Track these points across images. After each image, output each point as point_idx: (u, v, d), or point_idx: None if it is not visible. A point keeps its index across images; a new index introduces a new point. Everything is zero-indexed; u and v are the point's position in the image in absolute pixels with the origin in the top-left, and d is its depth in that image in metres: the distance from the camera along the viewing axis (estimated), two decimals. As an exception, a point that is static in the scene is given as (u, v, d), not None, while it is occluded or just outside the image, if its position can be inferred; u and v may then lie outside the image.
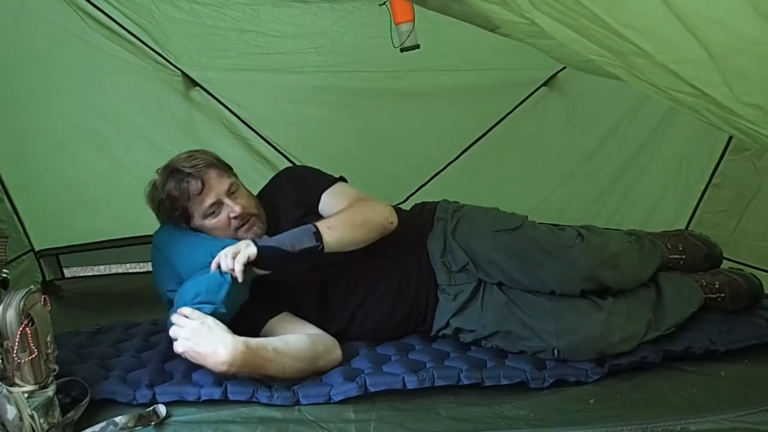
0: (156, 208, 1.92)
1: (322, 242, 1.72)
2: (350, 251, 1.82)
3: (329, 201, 1.92)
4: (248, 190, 1.96)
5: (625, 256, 1.92)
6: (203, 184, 1.84)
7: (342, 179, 2.01)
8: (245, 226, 1.87)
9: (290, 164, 2.95)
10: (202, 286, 1.68)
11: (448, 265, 1.90)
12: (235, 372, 1.57)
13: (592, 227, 1.98)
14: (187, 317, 1.61)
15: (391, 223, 1.87)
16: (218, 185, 1.86)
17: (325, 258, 1.77)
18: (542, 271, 1.82)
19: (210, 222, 1.86)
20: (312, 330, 1.79)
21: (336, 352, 1.76)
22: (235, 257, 1.66)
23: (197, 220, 1.87)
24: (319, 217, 1.88)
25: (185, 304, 1.65)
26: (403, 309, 1.90)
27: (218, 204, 1.85)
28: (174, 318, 1.62)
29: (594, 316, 1.77)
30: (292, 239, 1.72)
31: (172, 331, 1.60)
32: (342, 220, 1.80)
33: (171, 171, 1.87)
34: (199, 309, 1.63)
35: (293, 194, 1.96)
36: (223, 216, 1.86)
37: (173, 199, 1.85)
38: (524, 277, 1.84)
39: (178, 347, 1.58)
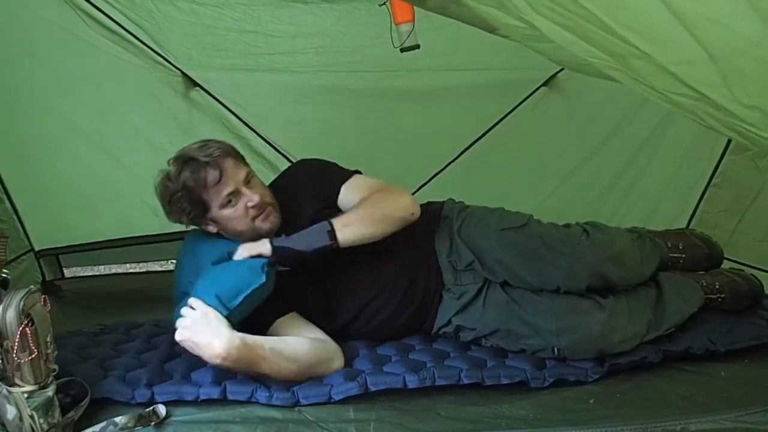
0: (168, 201, 1.83)
1: (336, 241, 1.73)
2: (362, 249, 1.81)
3: (348, 194, 1.90)
4: (261, 181, 1.93)
5: (629, 252, 1.92)
6: (221, 173, 1.79)
7: (358, 172, 1.99)
8: (262, 215, 1.84)
9: (290, 164, 2.95)
10: (221, 287, 1.67)
11: (454, 264, 1.90)
12: (229, 366, 1.59)
13: (596, 224, 1.98)
14: (192, 308, 1.63)
15: (413, 214, 1.84)
16: (235, 174, 1.82)
17: (338, 254, 1.77)
18: (548, 268, 1.82)
19: (227, 212, 1.82)
20: (317, 335, 1.79)
21: (337, 362, 1.73)
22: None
23: (214, 211, 1.82)
24: (339, 210, 1.87)
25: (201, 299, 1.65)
26: (410, 308, 1.90)
27: (236, 193, 1.81)
28: (183, 310, 1.64)
29: (595, 315, 1.77)
30: (308, 240, 1.74)
31: (178, 319, 1.63)
32: (360, 216, 1.79)
33: (186, 160, 1.81)
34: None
35: (312, 188, 1.94)
36: (240, 206, 1.81)
37: (190, 190, 1.79)
38: (530, 274, 1.84)
39: (177, 335, 1.61)
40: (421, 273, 1.91)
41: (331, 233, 1.73)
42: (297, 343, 1.71)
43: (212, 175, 1.79)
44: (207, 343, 1.57)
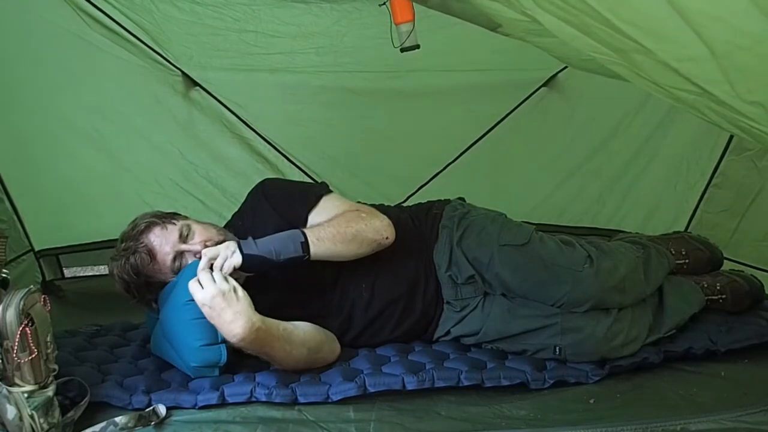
0: (128, 294, 1.80)
1: (308, 253, 1.68)
2: (358, 263, 1.79)
3: (318, 219, 1.81)
4: (205, 222, 1.86)
5: (631, 278, 1.85)
6: (149, 250, 1.74)
7: (325, 187, 1.91)
8: None
9: (291, 164, 2.95)
10: (200, 331, 1.63)
11: (454, 278, 1.85)
12: (242, 346, 1.58)
13: (601, 246, 1.90)
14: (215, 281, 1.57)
15: (386, 238, 1.78)
16: (167, 240, 1.75)
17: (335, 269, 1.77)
18: (547, 291, 1.79)
19: None
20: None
21: (337, 344, 1.78)
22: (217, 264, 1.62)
23: (171, 278, 1.77)
24: None
25: (192, 349, 1.63)
26: (408, 322, 1.88)
27: (179, 255, 1.75)
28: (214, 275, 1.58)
29: (601, 320, 1.76)
30: (278, 247, 1.67)
31: (193, 285, 1.57)
32: (333, 233, 1.72)
33: (113, 258, 1.78)
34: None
35: (274, 219, 1.81)
36: (191, 260, 1.74)
37: (135, 281, 1.76)
38: (528, 294, 1.81)
39: (201, 296, 1.55)
40: (420, 287, 1.86)
41: (305, 245, 1.67)
42: (305, 325, 1.72)
43: (142, 258, 1.74)
44: (230, 320, 1.55)
